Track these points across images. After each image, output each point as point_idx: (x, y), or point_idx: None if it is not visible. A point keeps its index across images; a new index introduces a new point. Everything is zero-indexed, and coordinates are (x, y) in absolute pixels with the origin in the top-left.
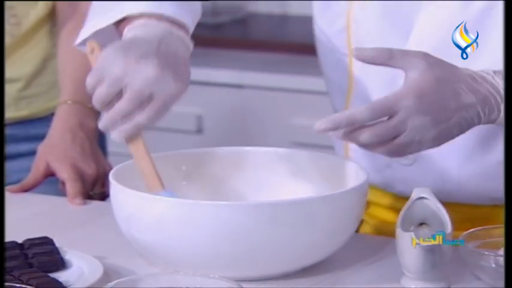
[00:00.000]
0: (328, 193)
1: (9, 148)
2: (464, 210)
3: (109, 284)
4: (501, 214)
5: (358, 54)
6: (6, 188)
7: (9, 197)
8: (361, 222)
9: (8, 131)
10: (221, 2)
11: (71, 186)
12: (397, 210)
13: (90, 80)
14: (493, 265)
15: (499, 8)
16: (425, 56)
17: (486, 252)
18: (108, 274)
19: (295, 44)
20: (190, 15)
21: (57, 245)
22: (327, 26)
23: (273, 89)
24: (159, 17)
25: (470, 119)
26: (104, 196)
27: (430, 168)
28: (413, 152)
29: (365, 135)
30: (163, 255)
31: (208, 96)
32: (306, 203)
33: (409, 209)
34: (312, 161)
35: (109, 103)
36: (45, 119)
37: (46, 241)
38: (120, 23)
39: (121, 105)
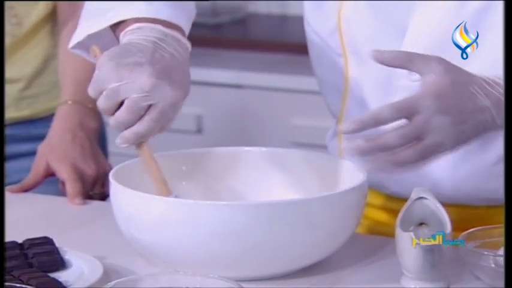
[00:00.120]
0: (327, 193)
1: (11, 148)
2: (460, 212)
3: (109, 284)
4: (497, 215)
5: (377, 56)
6: (6, 188)
7: (9, 197)
8: None
9: (9, 131)
10: (221, 2)
11: (71, 186)
12: (389, 211)
13: (91, 92)
14: (493, 265)
15: (496, 8)
16: (441, 61)
17: (485, 252)
18: (108, 274)
19: (295, 44)
20: (185, 16)
21: (57, 245)
22: (320, 26)
23: (272, 89)
24: (153, 20)
25: (486, 122)
26: (104, 196)
27: (425, 169)
28: (437, 156)
29: (391, 137)
30: (163, 255)
31: (208, 96)
32: (305, 203)
33: (409, 209)
34: (311, 161)
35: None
36: (46, 119)
37: (46, 241)
38: (116, 25)
39: (121, 116)
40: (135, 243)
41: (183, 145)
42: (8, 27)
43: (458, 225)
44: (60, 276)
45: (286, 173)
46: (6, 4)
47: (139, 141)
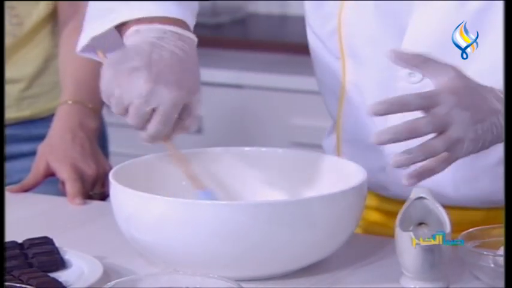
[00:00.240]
0: (327, 193)
1: (11, 148)
2: (460, 214)
3: (108, 283)
4: (498, 217)
5: (396, 55)
6: (6, 188)
7: (9, 197)
8: None
9: (10, 131)
10: (221, 2)
11: (71, 186)
12: (385, 212)
13: (105, 99)
14: (492, 265)
15: (496, 8)
16: (454, 68)
17: (485, 252)
18: (108, 274)
19: (295, 44)
20: (190, 12)
21: (57, 245)
22: (319, 27)
23: (272, 89)
24: (152, 20)
25: (500, 125)
26: (104, 196)
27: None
28: (458, 154)
29: (421, 121)
30: (163, 255)
31: (208, 96)
32: (305, 203)
33: (408, 209)
34: (311, 161)
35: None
36: (47, 119)
37: (46, 241)
38: (120, 26)
39: (129, 121)
40: (135, 243)
41: (183, 145)
42: (8, 28)
43: (459, 228)
44: (60, 276)
45: (286, 173)
46: (7, 4)
47: (157, 142)
